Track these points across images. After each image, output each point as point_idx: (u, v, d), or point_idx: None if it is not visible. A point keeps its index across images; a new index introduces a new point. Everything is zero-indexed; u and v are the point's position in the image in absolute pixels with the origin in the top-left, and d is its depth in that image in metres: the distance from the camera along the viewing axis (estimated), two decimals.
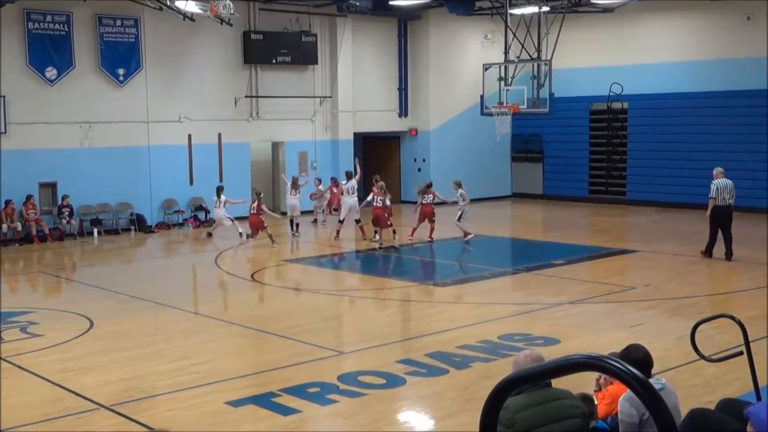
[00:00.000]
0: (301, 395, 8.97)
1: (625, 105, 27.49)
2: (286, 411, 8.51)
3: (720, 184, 16.97)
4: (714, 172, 17.29)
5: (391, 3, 25.04)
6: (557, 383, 4.82)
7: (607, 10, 26.16)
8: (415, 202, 20.78)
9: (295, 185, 21.96)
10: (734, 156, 24.60)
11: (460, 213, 20.07)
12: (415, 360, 10.26)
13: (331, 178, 24.49)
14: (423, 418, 8.80)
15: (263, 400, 8.84)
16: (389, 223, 19.81)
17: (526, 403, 4.62)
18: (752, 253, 17.81)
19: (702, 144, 25.00)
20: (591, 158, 28.83)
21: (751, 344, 5.93)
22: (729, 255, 17.06)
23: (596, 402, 5.94)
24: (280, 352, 10.93)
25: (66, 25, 21.76)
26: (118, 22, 22.63)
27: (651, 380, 4.50)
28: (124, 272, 18.15)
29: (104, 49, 22.41)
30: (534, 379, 2.64)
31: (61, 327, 12.19)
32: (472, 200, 26.03)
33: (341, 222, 20.85)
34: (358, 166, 22.75)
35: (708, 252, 17.41)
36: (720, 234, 17.18)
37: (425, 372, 9.80)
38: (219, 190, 21.47)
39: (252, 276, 16.74)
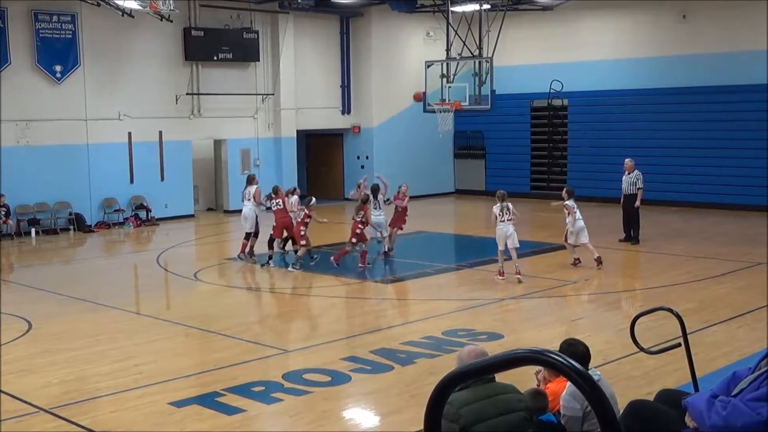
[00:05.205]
0: (246, 394, 8.92)
1: (565, 102, 27.85)
2: (230, 410, 8.46)
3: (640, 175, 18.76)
4: (630, 164, 18.70)
5: (333, 0, 24.96)
6: (501, 377, 4.87)
7: (547, 8, 26.46)
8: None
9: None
10: (671, 152, 25.17)
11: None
12: (360, 357, 10.28)
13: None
14: (368, 415, 8.80)
15: (207, 400, 8.77)
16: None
17: (470, 397, 4.66)
18: (690, 246, 18.27)
19: (640, 140, 25.43)
20: (532, 154, 29.15)
21: (688, 336, 6.05)
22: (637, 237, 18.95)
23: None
24: (224, 351, 10.85)
25: (0, 21, 21.28)
26: (55, 18, 22.19)
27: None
28: (64, 272, 17.82)
29: (40, 46, 21.96)
30: (478, 374, 2.66)
31: None
32: (416, 197, 26.23)
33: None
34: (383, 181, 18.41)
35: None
36: (624, 221, 18.99)
37: (370, 369, 9.82)
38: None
39: (195, 275, 16.57)
